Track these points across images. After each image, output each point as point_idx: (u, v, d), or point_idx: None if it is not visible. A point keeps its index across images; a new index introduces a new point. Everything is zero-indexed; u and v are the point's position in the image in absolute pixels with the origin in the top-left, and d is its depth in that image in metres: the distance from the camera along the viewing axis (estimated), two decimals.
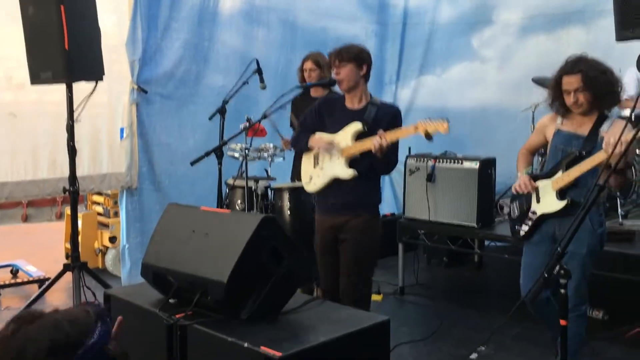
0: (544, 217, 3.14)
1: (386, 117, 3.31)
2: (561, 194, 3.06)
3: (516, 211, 3.32)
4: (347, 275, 3.36)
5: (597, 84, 2.97)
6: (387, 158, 3.25)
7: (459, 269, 5.86)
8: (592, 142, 3.00)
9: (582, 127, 3.09)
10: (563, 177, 3.04)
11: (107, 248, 5.71)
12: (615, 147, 2.47)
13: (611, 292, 4.79)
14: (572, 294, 2.97)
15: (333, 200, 3.39)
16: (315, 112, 3.52)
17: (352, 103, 3.42)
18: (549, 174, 3.15)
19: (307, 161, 3.54)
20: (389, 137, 3.13)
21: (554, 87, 3.11)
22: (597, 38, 6.04)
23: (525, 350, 3.88)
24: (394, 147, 3.29)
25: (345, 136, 3.33)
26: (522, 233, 3.23)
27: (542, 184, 3.16)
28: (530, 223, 3.19)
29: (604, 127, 3.01)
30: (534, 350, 3.79)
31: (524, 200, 3.25)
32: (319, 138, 3.42)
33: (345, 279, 3.36)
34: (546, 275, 2.02)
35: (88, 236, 5.73)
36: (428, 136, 3.12)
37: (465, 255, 5.85)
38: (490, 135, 6.47)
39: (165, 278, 2.55)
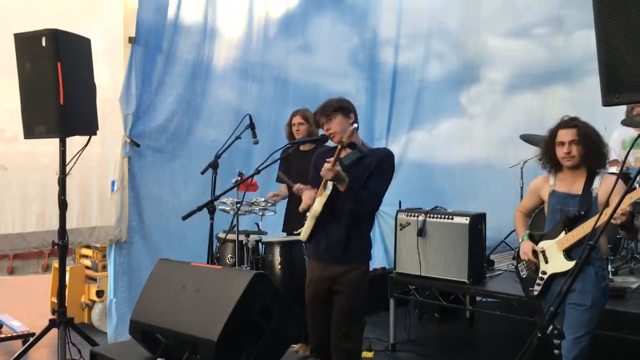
0: (555, 276, 3.24)
1: (373, 158, 3.31)
2: (568, 253, 3.18)
3: (525, 272, 3.42)
4: (339, 329, 3.31)
5: (589, 140, 3.17)
6: (353, 193, 3.21)
7: (450, 324, 5.80)
8: (587, 200, 3.16)
9: (574, 185, 3.24)
10: (568, 238, 3.18)
11: (94, 302, 5.61)
12: (614, 211, 2.57)
13: (602, 350, 4.74)
14: (571, 347, 3.00)
15: (324, 249, 3.38)
16: (314, 168, 3.55)
17: (345, 152, 3.41)
18: (552, 235, 3.28)
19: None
20: (332, 159, 3.16)
21: (548, 140, 3.28)
22: (583, 96, 6.19)
23: None
24: (358, 181, 3.25)
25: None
26: (535, 293, 3.33)
27: (547, 245, 3.29)
28: (542, 282, 3.29)
29: (595, 184, 3.18)
30: None
31: (531, 262, 3.36)
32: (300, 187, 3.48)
33: (338, 333, 3.32)
34: (539, 335, 2.01)
35: (75, 290, 5.65)
36: (346, 146, 3.17)
37: (457, 311, 5.81)
38: (478, 190, 6.53)
39: (154, 336, 2.51)
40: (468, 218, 4.63)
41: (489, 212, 4.92)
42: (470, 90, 6.87)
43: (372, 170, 3.27)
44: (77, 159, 3.95)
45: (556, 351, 2.06)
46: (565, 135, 3.19)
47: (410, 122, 7.04)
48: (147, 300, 2.61)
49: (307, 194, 3.49)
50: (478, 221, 4.71)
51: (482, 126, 6.76)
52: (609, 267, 4.56)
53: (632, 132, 5.35)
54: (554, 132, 3.27)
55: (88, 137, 3.90)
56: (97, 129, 3.87)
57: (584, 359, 3.11)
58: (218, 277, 2.46)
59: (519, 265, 3.48)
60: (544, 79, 6.51)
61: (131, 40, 4.86)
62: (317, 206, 3.32)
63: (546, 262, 3.28)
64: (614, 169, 5.00)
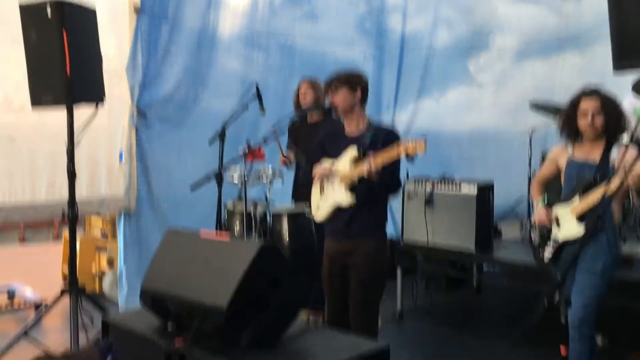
0: (566, 242, 3.25)
1: (381, 140, 3.32)
2: (581, 219, 3.18)
3: (537, 238, 3.43)
4: (355, 300, 3.36)
5: (612, 110, 3.18)
6: (385, 182, 3.26)
7: (457, 293, 5.84)
8: (604, 169, 3.15)
9: (592, 154, 3.24)
10: (582, 204, 3.17)
11: (104, 272, 5.68)
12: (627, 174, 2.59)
13: (610, 318, 4.77)
14: (579, 310, 3.02)
15: (341, 226, 3.39)
16: (318, 143, 3.59)
17: (350, 128, 3.46)
18: (566, 201, 3.27)
19: (315, 190, 3.57)
20: (377, 160, 3.15)
21: (569, 110, 3.27)
22: (593, 63, 6.09)
23: None
24: (391, 169, 3.28)
25: (345, 163, 3.35)
26: (546, 258, 3.34)
27: (561, 210, 3.29)
28: (553, 248, 3.30)
29: (614, 154, 3.18)
30: None
31: (544, 227, 3.38)
32: (319, 167, 3.45)
33: (354, 304, 3.36)
34: (547, 302, 2.02)
35: (85, 259, 5.71)
36: (409, 157, 3.15)
37: (464, 280, 5.84)
38: (486, 159, 6.49)
39: (164, 304, 2.54)
40: (476, 187, 4.62)
41: (497, 181, 4.91)
42: (479, 58, 6.77)
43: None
44: (85, 129, 3.94)
45: (563, 318, 2.07)
46: (589, 105, 3.18)
47: (418, 90, 6.97)
48: (157, 269, 2.64)
49: (316, 171, 3.48)
50: (486, 190, 4.71)
51: (491, 94, 6.68)
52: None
53: None
54: (576, 102, 3.25)
55: (95, 106, 3.89)
56: (104, 96, 3.86)
57: (590, 325, 3.14)
58: (226, 247, 2.48)
59: (532, 232, 3.51)
60: (553, 45, 6.40)
61: (137, 9, 4.82)
62: (344, 200, 3.32)
63: (559, 227, 3.29)
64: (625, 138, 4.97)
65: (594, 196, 3.09)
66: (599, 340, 4.29)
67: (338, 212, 3.39)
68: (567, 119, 3.30)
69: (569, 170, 3.31)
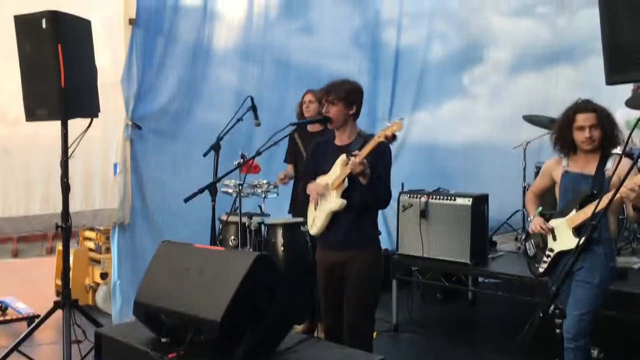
0: (562, 254, 3.26)
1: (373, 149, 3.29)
2: (577, 231, 3.18)
3: (532, 249, 3.45)
4: (349, 311, 3.35)
5: (608, 123, 3.20)
6: (374, 189, 3.26)
7: (453, 305, 5.83)
8: (600, 181, 3.16)
9: (587, 167, 3.26)
10: (579, 216, 3.17)
11: (98, 285, 5.64)
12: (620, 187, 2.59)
13: (606, 330, 4.76)
14: (574, 321, 3.02)
15: (334, 235, 3.40)
16: (310, 157, 3.62)
17: (341, 140, 3.49)
18: (562, 213, 3.29)
19: (311, 207, 3.59)
20: (362, 152, 3.16)
21: (565, 124, 3.27)
22: (586, 76, 6.18)
23: None
24: (382, 179, 3.31)
25: (335, 171, 3.37)
26: (541, 270, 3.37)
27: (556, 222, 3.30)
28: (548, 260, 3.31)
29: (608, 165, 3.19)
30: None
31: (540, 239, 3.39)
32: (314, 186, 3.47)
33: (348, 315, 3.35)
34: (541, 314, 2.02)
35: (79, 272, 5.67)
36: (390, 139, 3.17)
37: (459, 292, 5.83)
38: (481, 171, 6.53)
39: (158, 316, 2.52)
40: (470, 199, 4.63)
41: (492, 193, 4.92)
42: (473, 71, 6.84)
43: (375, 165, 3.27)
44: (79, 142, 3.93)
45: (558, 330, 2.06)
46: (585, 119, 3.20)
47: (412, 103, 7.00)
48: (151, 281, 2.62)
49: (312, 188, 3.48)
50: (480, 202, 4.72)
51: (485, 107, 6.74)
52: None
53: (636, 112, 5.33)
54: (571, 116, 3.26)
55: (90, 119, 3.88)
56: (99, 111, 3.85)
57: (585, 336, 3.14)
58: (221, 258, 2.47)
59: (526, 243, 3.51)
60: (547, 59, 6.48)
61: (131, 21, 4.82)
62: (336, 204, 3.33)
63: (554, 239, 3.30)
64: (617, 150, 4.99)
65: (591, 209, 3.08)
66: (594, 352, 4.28)
67: (333, 221, 3.38)
68: (562, 133, 3.31)
69: (565, 183, 3.32)
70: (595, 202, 3.04)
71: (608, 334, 4.66)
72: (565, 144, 3.31)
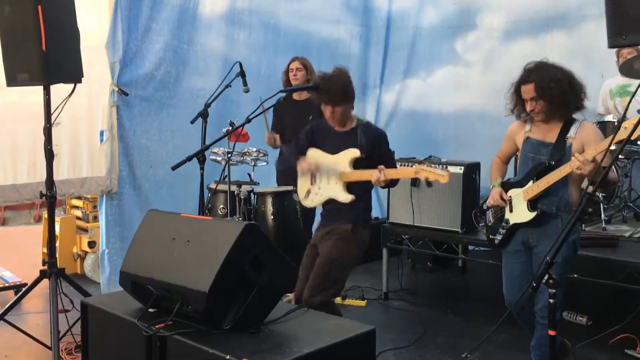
0: (517, 226, 3.17)
1: (373, 139, 3.44)
2: (532, 203, 3.08)
3: (491, 219, 3.35)
4: (314, 278, 3.37)
5: (549, 94, 2.95)
6: (387, 186, 3.41)
7: (443, 273, 5.84)
8: (560, 150, 3.01)
9: (549, 133, 3.10)
10: (533, 188, 3.07)
11: (86, 253, 5.60)
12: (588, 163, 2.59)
13: (595, 298, 4.79)
14: (543, 301, 2.96)
15: (326, 212, 3.53)
16: (308, 135, 3.62)
17: (342, 127, 3.52)
18: (521, 183, 3.16)
19: (303, 177, 3.61)
20: (389, 174, 3.25)
21: (514, 94, 3.11)
22: (580, 42, 6.07)
23: (510, 357, 3.86)
24: (389, 167, 3.37)
25: (343, 161, 3.40)
26: (496, 242, 3.28)
27: (514, 193, 3.19)
28: (503, 232, 3.22)
29: (571, 132, 3.03)
30: (518, 357, 3.77)
31: (499, 208, 3.28)
32: (310, 160, 3.49)
33: (312, 281, 3.37)
34: (534, 284, 1.99)
35: (66, 241, 5.63)
36: (428, 184, 3.21)
37: (450, 260, 5.84)
38: (473, 139, 6.46)
39: (145, 287, 2.47)
40: (462, 168, 4.59)
41: (484, 162, 4.87)
42: (466, 37, 6.71)
43: (379, 156, 3.40)
44: (62, 108, 3.82)
45: (551, 300, 2.03)
46: (526, 91, 3.00)
47: (404, 70, 6.91)
48: (137, 251, 2.57)
49: (305, 163, 3.50)
50: (472, 171, 4.68)
51: (478, 74, 6.63)
52: (603, 215, 4.57)
53: (619, 81, 5.27)
54: (517, 86, 3.07)
55: (73, 85, 3.77)
56: (82, 76, 3.73)
57: (558, 309, 3.08)
58: (208, 228, 2.41)
59: (487, 212, 3.38)
60: (541, 24, 6.35)
61: None
62: (344, 198, 3.39)
63: (511, 210, 3.19)
64: (610, 117, 4.94)
65: (545, 181, 2.98)
66: (582, 320, 4.31)
67: (329, 201, 3.47)
68: (515, 103, 3.13)
69: (525, 149, 3.16)
70: (551, 173, 2.95)
71: (597, 302, 4.69)
72: (521, 110, 3.13)
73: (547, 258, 1.99)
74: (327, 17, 6.33)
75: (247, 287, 2.30)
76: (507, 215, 3.21)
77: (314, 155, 3.51)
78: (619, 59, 5.14)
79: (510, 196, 3.19)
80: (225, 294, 2.26)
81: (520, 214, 3.13)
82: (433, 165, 3.23)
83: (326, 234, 3.47)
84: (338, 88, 3.38)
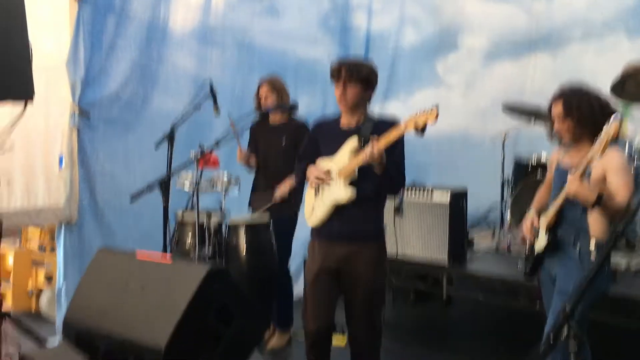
0: (540, 256, 2.94)
1: (385, 129, 2.94)
2: (550, 231, 2.87)
3: (525, 250, 3.09)
4: (358, 317, 2.98)
5: (578, 111, 2.79)
6: (389, 174, 2.93)
7: (426, 306, 5.54)
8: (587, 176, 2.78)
9: (576, 160, 2.86)
10: (548, 214, 2.89)
11: (40, 291, 5.19)
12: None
13: (594, 333, 4.50)
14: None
15: (337, 227, 3.03)
16: (311, 139, 3.24)
17: (348, 123, 3.12)
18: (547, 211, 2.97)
19: (310, 192, 3.19)
20: (381, 142, 2.83)
21: (548, 114, 2.95)
22: (564, 64, 5.97)
23: None
24: (394, 162, 2.96)
25: (343, 157, 3.02)
26: (527, 270, 3.04)
27: (541, 221, 2.98)
28: (531, 260, 2.99)
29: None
30: None
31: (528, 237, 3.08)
32: (314, 168, 3.10)
33: (356, 318, 2.99)
34: (553, 338, 1.68)
35: (21, 275, 5.22)
36: (420, 130, 2.87)
37: (433, 293, 5.54)
38: (456, 164, 6.29)
39: (92, 340, 2.12)
40: (449, 195, 4.34)
41: (469, 185, 4.65)
42: (447, 59, 6.56)
43: (390, 152, 2.91)
44: (12, 131, 3.48)
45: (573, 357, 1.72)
46: (554, 109, 2.86)
47: (384, 91, 6.68)
48: (84, 297, 2.23)
49: (312, 172, 3.10)
50: (459, 198, 4.44)
51: (460, 96, 6.49)
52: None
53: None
54: (549, 108, 2.93)
55: (24, 103, 3.43)
56: (33, 93, 3.38)
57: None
58: (167, 272, 2.08)
59: (510, 240, 3.20)
60: (524, 46, 6.26)
61: None
62: (343, 195, 2.97)
63: (537, 238, 2.99)
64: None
65: (553, 208, 2.84)
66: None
67: (337, 211, 3.02)
68: (551, 126, 3.00)
69: (555, 177, 3.02)
70: (555, 201, 2.79)
71: (597, 338, 4.40)
72: (554, 133, 3.00)
73: (567, 308, 1.68)
74: (303, 36, 6.10)
75: (212, 341, 1.97)
76: (535, 243, 3.00)
77: (323, 165, 3.09)
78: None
79: (538, 225, 2.98)
80: (186, 350, 1.93)
81: (539, 242, 2.94)
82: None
83: (345, 259, 3.00)
84: (360, 64, 3.08)
